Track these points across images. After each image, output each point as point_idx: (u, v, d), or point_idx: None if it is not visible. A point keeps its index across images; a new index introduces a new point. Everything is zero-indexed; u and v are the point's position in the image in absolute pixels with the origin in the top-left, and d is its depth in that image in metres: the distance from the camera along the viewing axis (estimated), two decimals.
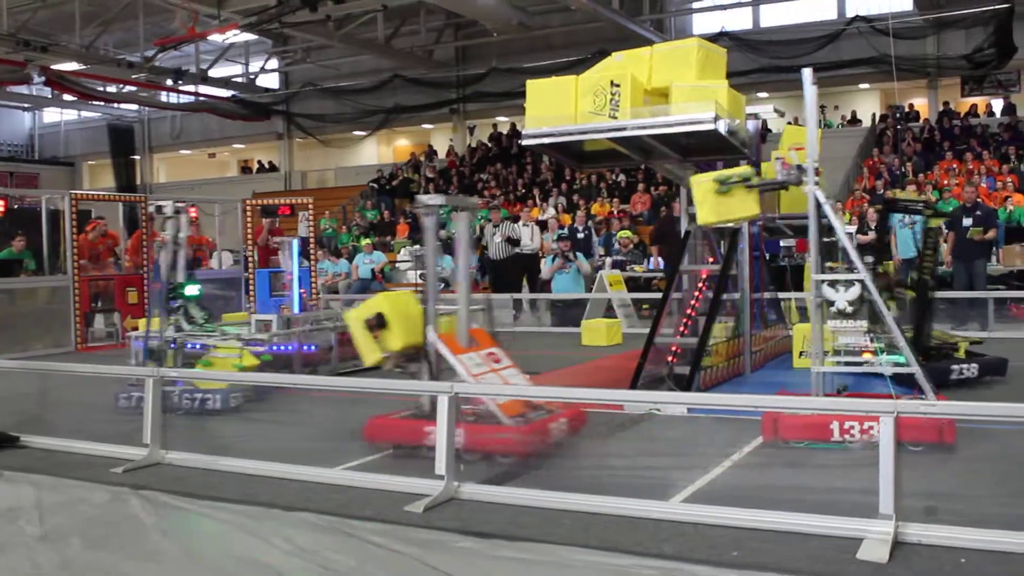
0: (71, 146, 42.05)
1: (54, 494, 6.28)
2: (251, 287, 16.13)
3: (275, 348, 10.64)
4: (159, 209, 9.55)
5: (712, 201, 7.60)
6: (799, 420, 6.67)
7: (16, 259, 16.04)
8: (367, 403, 8.67)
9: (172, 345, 9.26)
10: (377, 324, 7.33)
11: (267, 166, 38.81)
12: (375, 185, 31.24)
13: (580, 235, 19.20)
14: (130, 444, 7.14)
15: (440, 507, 5.54)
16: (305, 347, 11.03)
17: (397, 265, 22.10)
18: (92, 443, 7.48)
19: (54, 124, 42.92)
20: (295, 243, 12.46)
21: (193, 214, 17.61)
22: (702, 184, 7.63)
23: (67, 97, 30.98)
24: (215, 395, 8.95)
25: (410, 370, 7.23)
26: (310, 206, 16.41)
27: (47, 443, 7.68)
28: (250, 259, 16.56)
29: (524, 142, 8.53)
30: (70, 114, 41.42)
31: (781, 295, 12.25)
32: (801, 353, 10.13)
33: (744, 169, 7.83)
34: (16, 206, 18.32)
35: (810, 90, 7.17)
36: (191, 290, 9.46)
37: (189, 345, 9.37)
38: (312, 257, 16.51)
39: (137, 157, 37.56)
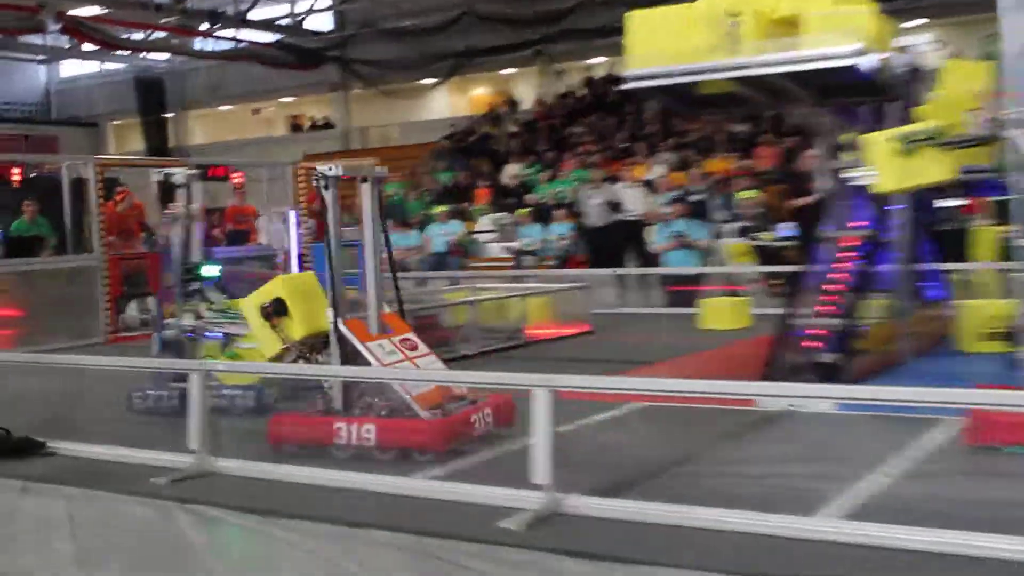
0: (93, 104, 42.92)
1: (88, 508, 6.44)
2: (304, 264, 16.29)
3: None
4: (168, 178, 9.76)
5: (894, 164, 7.43)
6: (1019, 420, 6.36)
7: (34, 234, 16.37)
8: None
9: (189, 335, 9.50)
10: (274, 311, 7.81)
11: (321, 122, 39.27)
12: (448, 142, 31.37)
13: (694, 198, 19.00)
14: (174, 450, 7.29)
15: (543, 523, 5.52)
16: None
17: (477, 236, 22.17)
18: (130, 449, 7.64)
19: (73, 79, 43.86)
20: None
21: (237, 180, 17.93)
22: (880, 144, 7.47)
23: (87, 47, 31.63)
24: (247, 392, 9.08)
25: (318, 362, 7.69)
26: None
27: (77, 449, 7.86)
28: (303, 230, 16.70)
29: (625, 87, 8.44)
30: (91, 67, 42.31)
31: (943, 266, 11.97)
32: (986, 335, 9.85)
33: (929, 125, 7.64)
34: (33, 175, 18.78)
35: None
36: (208, 270, 9.65)
37: (209, 335, 9.59)
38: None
39: (169, 115, 38.29)
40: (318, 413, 7.60)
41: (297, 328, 7.92)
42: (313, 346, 7.98)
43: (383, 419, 7.26)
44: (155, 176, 10.30)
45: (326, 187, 7.56)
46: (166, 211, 9.89)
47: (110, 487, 6.82)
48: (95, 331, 15.48)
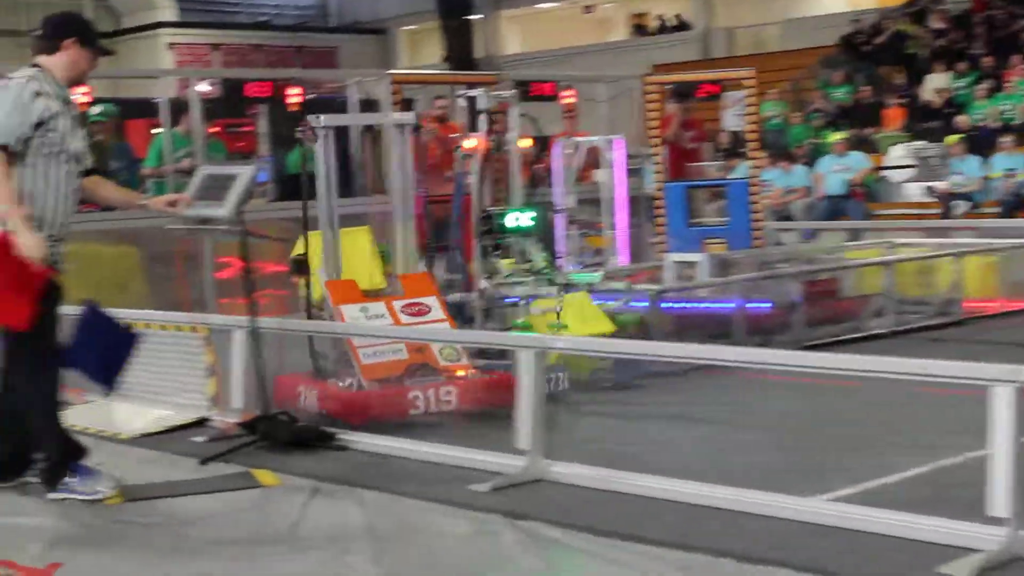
0: (380, 6, 44.39)
1: (390, 519, 6.73)
2: (656, 211, 16.36)
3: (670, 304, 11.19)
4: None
5: None
6: None
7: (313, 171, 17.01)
8: (856, 393, 8.66)
9: (509, 299, 10.09)
10: (296, 270, 9.20)
11: (672, 23, 39.31)
12: (846, 46, 30.72)
13: None
14: (494, 448, 7.55)
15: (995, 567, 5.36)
16: (751, 304, 11.26)
17: (887, 174, 21.69)
18: (438, 445, 7.98)
19: None
20: None
21: (568, 99, 18.16)
22: None
23: None
24: (555, 373, 9.28)
25: None
26: (745, 82, 16.37)
27: (374, 443, 8.27)
28: (658, 165, 16.76)
29: None
30: None
31: None
32: None
33: None
34: (312, 96, 19.65)
35: None
36: (515, 219, 9.86)
37: (504, 298, 10.15)
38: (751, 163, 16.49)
39: (476, 17, 39.19)
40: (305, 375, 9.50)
41: (317, 288, 9.60)
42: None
43: (325, 385, 9.27)
44: (459, 98, 10.72)
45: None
46: (464, 140, 10.29)
47: (416, 492, 7.10)
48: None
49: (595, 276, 11.27)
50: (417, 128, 14.09)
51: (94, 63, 7.45)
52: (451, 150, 18.03)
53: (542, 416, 7.33)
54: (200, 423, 9.06)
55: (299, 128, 11.49)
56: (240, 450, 8.15)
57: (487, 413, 8.79)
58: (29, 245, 6.76)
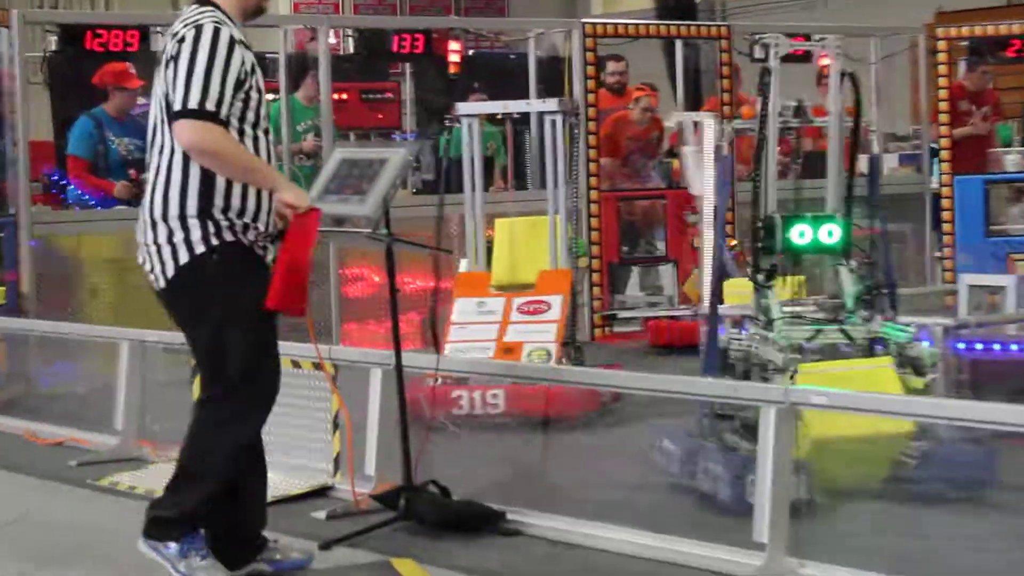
0: None
1: None
2: (942, 213, 16.01)
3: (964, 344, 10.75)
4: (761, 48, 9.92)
5: None
6: None
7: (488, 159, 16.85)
8: None
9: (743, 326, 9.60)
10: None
11: None
12: None
13: None
14: (720, 539, 7.49)
15: None
16: None
17: None
18: (641, 533, 7.86)
19: None
20: None
21: (826, 60, 17.93)
22: None
23: None
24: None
25: None
26: None
27: (556, 527, 8.16)
28: (945, 152, 16.42)
29: None
30: None
31: None
32: None
33: None
34: (472, 51, 19.54)
35: None
36: (799, 235, 9.43)
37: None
38: None
39: None
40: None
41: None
42: None
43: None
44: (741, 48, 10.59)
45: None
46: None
47: None
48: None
49: (908, 333, 9.57)
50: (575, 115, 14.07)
51: None
52: (650, 131, 17.98)
53: (786, 496, 7.23)
54: (322, 492, 9.05)
55: (445, 117, 12.00)
56: (375, 531, 8.10)
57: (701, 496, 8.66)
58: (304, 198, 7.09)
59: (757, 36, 10.21)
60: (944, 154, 14.88)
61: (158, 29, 14.34)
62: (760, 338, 9.24)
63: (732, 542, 7.37)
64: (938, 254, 15.49)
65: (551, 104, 12.78)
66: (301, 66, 16.26)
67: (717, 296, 9.84)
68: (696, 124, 15.29)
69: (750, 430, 8.10)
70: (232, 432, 7.09)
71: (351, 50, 17.45)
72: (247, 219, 6.94)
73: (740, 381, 8.94)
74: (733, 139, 10.51)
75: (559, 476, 9.60)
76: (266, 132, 7.14)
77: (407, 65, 20.50)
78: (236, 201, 6.90)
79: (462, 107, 11.41)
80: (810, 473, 8.30)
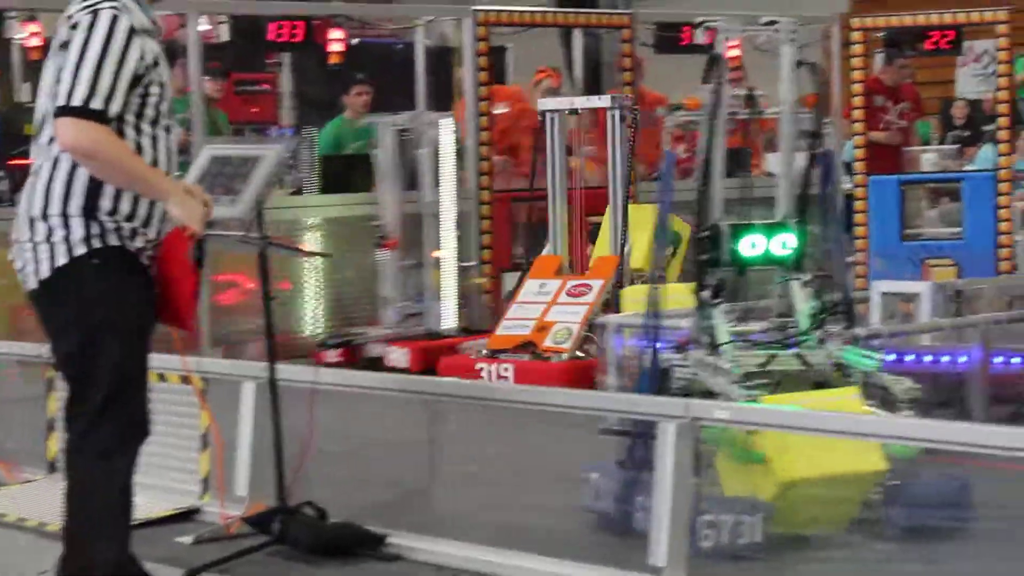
0: None
1: None
2: (855, 216, 15.85)
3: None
4: None
5: None
6: None
7: (362, 149, 16.55)
8: None
9: (687, 348, 9.06)
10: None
11: None
12: None
13: None
14: (614, 564, 7.42)
15: None
16: (997, 357, 10.99)
17: None
18: (530, 556, 7.69)
19: None
20: None
21: (734, 49, 17.84)
22: None
23: None
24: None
25: None
26: (998, 28, 15.86)
27: (438, 551, 7.96)
28: (859, 150, 16.27)
29: None
30: None
31: None
32: None
33: None
34: (356, 40, 19.36)
35: None
36: (750, 245, 8.93)
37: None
38: None
39: None
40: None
41: None
42: None
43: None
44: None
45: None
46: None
47: None
48: (479, 320, 15.70)
49: (873, 360, 9.17)
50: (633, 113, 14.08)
51: None
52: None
53: (687, 520, 7.15)
54: (188, 515, 8.79)
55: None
56: (246, 556, 7.88)
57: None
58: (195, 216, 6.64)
59: (702, 20, 10.07)
60: (857, 152, 14.88)
61: (12, 15, 14.22)
62: (705, 364, 8.76)
63: (627, 565, 7.25)
64: (850, 259, 15.38)
65: (605, 100, 14.26)
66: (170, 55, 15.95)
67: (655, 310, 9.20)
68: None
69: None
70: (117, 462, 6.81)
71: (226, 38, 17.29)
72: (136, 224, 6.64)
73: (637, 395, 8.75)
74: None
75: (450, 497, 9.40)
76: (167, 129, 6.83)
77: (286, 55, 20.36)
78: (125, 205, 6.60)
79: (546, 103, 13.42)
80: (769, 515, 8.04)
